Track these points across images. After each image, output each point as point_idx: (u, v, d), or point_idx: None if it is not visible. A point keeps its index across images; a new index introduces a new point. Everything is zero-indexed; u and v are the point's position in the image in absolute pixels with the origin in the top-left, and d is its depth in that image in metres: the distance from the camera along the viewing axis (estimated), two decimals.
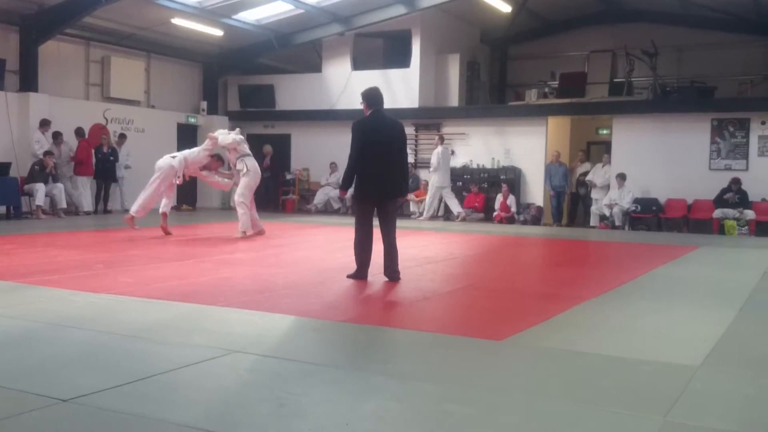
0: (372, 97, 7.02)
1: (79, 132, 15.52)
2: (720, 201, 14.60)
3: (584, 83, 17.54)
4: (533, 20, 19.77)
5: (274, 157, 18.56)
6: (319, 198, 18.56)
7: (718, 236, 14.02)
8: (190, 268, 7.78)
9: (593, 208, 16.23)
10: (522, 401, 3.44)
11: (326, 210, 18.51)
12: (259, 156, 18.99)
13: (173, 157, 11.43)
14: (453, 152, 17.54)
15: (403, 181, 7.22)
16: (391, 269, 7.00)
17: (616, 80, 17.55)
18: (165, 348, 4.26)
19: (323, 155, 18.38)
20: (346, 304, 5.86)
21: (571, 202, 17.41)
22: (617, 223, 15.36)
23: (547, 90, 18.31)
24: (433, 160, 16.55)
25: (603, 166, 16.34)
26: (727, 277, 8.21)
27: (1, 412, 3.10)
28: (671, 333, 5.09)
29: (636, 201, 15.41)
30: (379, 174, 6.89)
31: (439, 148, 16.60)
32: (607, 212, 15.63)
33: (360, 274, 6.98)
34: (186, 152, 11.61)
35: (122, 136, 16.83)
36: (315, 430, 2.98)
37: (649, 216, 15.49)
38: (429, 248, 10.46)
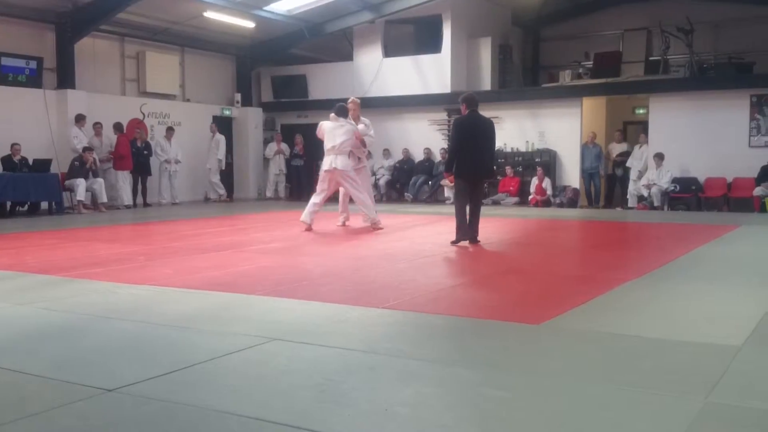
0: (469, 100, 8.80)
1: (117, 127, 15.76)
2: (762, 178, 14.30)
3: (619, 62, 17.25)
4: (565, 0, 19.51)
5: (306, 145, 18.56)
6: None
7: (759, 214, 13.76)
8: (229, 258, 7.87)
9: (631, 189, 16.01)
10: (560, 384, 3.43)
11: None
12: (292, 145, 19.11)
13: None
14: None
15: (492, 165, 9.09)
16: (471, 234, 8.66)
17: (651, 58, 17.23)
18: (206, 337, 4.34)
19: None
20: (383, 290, 5.89)
21: (608, 184, 17.22)
22: (656, 203, 15.13)
23: (581, 71, 18.07)
24: (222, 147, 18.18)
25: (640, 147, 16.10)
26: None
27: (48, 402, 3.20)
28: (712, 313, 5.03)
29: (675, 180, 15.14)
30: (473, 159, 8.57)
31: (218, 135, 18.11)
32: (645, 193, 15.41)
33: (459, 236, 8.61)
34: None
35: (170, 130, 17.11)
36: (355, 415, 3.01)
37: (688, 196, 15.24)
38: None
